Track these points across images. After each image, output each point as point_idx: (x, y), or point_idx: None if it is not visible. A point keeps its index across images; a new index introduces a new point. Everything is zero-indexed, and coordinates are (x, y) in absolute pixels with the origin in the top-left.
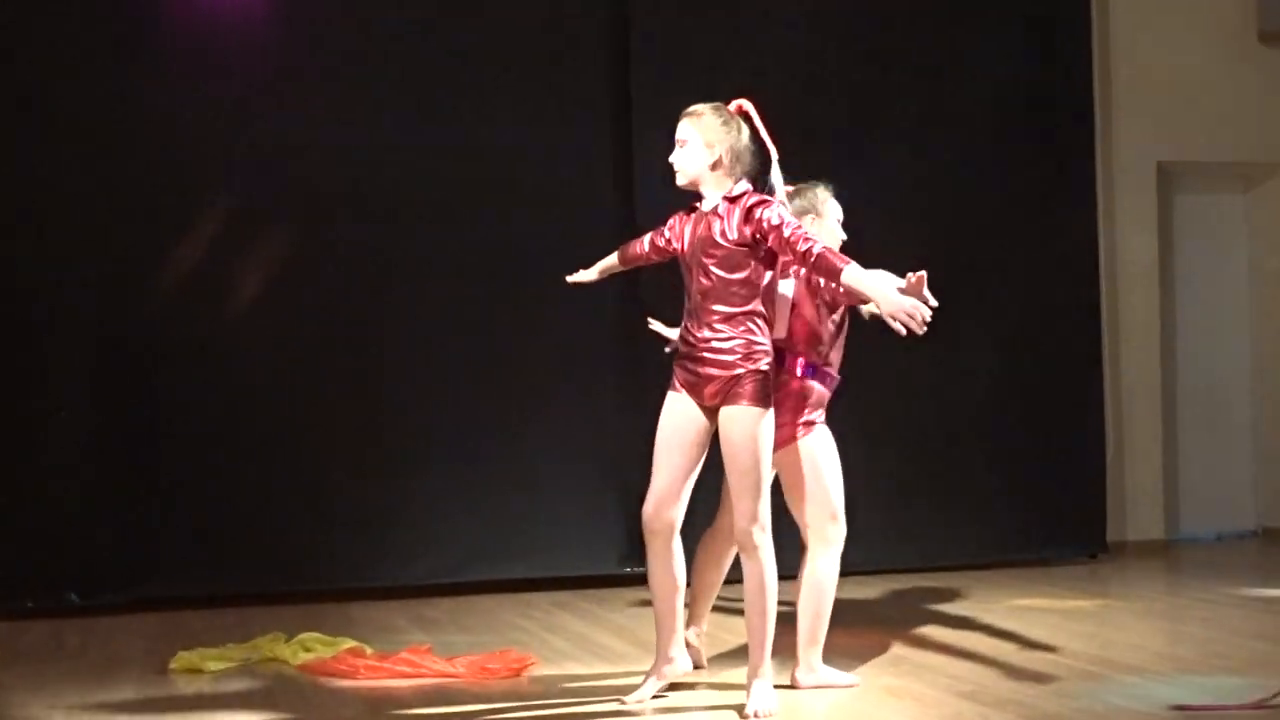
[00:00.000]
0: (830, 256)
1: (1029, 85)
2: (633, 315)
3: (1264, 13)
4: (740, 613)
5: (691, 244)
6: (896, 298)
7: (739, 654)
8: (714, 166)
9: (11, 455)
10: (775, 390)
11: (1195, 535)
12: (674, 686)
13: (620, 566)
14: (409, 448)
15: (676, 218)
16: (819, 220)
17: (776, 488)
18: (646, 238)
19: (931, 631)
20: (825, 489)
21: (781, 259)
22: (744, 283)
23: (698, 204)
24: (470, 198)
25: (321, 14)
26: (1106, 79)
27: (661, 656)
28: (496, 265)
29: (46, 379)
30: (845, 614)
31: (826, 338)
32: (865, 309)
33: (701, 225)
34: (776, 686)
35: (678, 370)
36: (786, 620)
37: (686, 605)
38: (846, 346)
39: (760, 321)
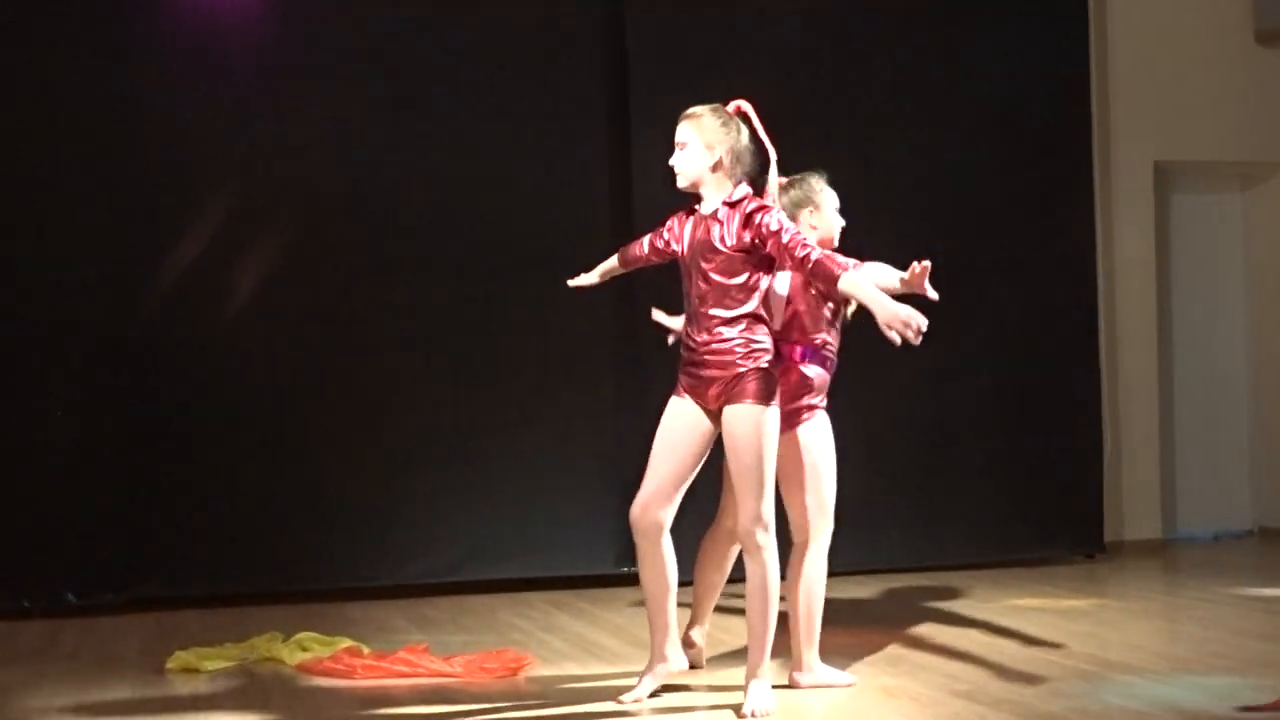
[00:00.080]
0: (828, 264)
1: (1027, 85)
2: (631, 315)
3: (1261, 13)
4: (739, 612)
5: (691, 247)
6: (893, 308)
7: (738, 654)
8: (714, 168)
9: (8, 455)
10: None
11: (1192, 535)
12: (672, 686)
13: (618, 567)
14: (407, 448)
15: (675, 218)
16: (817, 211)
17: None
18: (646, 239)
19: (929, 631)
20: (819, 483)
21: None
22: (742, 287)
23: (697, 205)
24: (468, 197)
25: (320, 14)
26: (1104, 78)
27: (656, 655)
28: (493, 264)
29: (45, 378)
30: (843, 613)
31: (823, 323)
32: (850, 309)
33: (701, 229)
34: (774, 686)
35: (681, 376)
36: (780, 619)
37: (687, 605)
38: (845, 344)
39: (760, 322)
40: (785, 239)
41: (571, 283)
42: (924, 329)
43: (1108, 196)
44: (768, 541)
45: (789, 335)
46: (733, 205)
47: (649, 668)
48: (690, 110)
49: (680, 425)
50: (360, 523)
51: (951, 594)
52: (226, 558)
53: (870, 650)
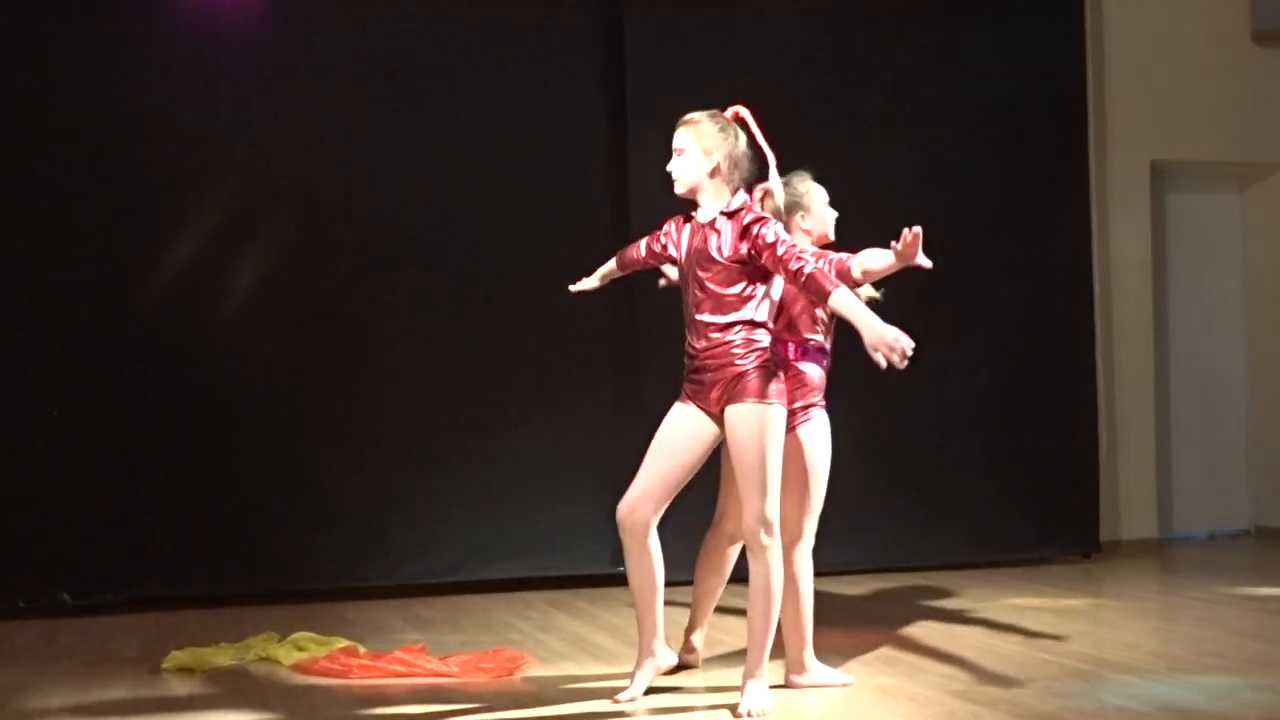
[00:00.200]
0: (820, 279)
1: (1024, 84)
2: (630, 316)
3: (1257, 13)
4: (737, 613)
5: (688, 255)
6: (879, 330)
7: (736, 655)
8: (712, 174)
9: (7, 455)
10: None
11: (1188, 534)
12: (669, 687)
13: (615, 566)
14: (405, 448)
15: (673, 223)
16: (808, 214)
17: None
18: (643, 242)
19: (925, 630)
20: (814, 485)
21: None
22: (739, 296)
23: (694, 212)
24: (467, 197)
25: (320, 14)
26: (1101, 78)
27: (645, 651)
28: (492, 264)
29: (43, 378)
30: (839, 613)
31: (818, 322)
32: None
33: (698, 237)
34: (770, 686)
35: (685, 385)
36: None
37: (684, 604)
38: (843, 344)
39: (758, 327)
40: (780, 251)
41: (573, 288)
42: (909, 354)
43: (1104, 196)
44: (771, 542)
45: (783, 335)
46: (730, 215)
47: (639, 665)
48: (688, 116)
49: (679, 430)
50: (357, 522)
51: (947, 593)
52: (223, 558)
53: (866, 650)
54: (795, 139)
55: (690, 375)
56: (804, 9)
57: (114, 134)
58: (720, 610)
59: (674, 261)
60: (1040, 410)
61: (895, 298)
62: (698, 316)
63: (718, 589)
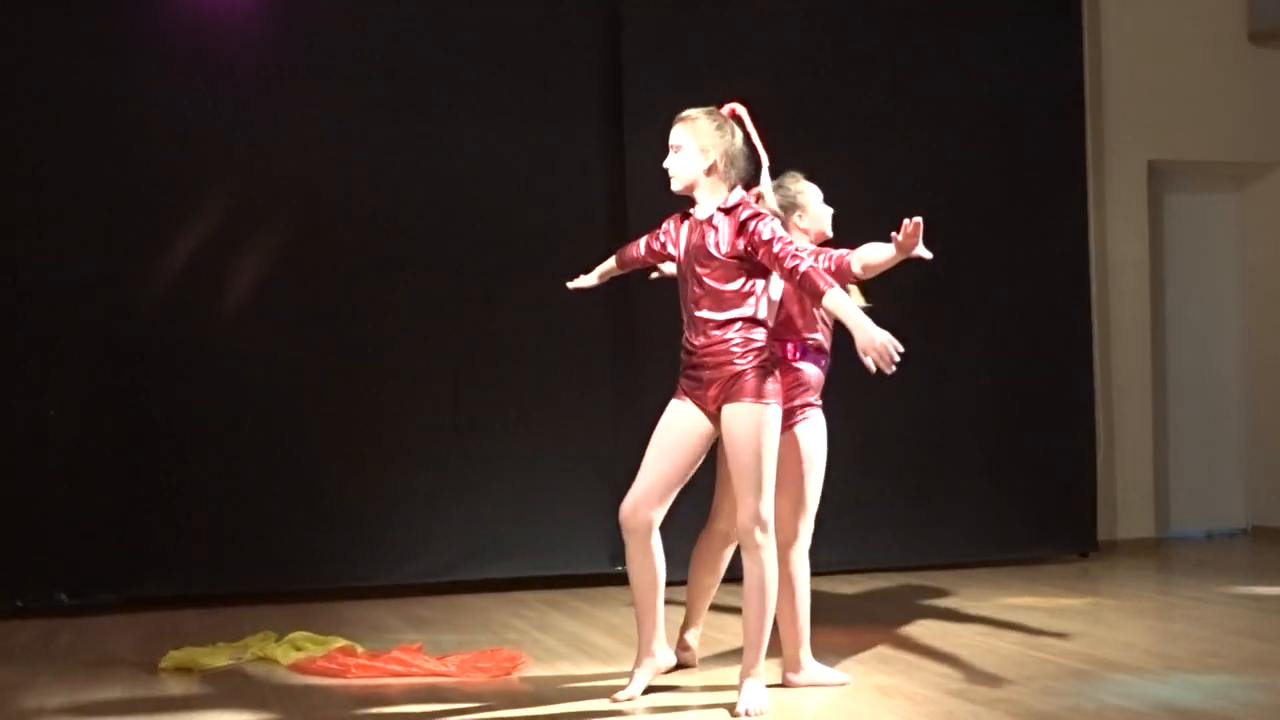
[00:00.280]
0: (815, 278)
1: (1022, 84)
2: (629, 316)
3: (1255, 13)
4: (734, 611)
5: (687, 252)
6: (870, 333)
7: (732, 654)
8: (709, 171)
9: (5, 454)
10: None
11: (1185, 534)
12: (666, 686)
13: (613, 566)
14: (404, 447)
15: (671, 221)
16: (805, 213)
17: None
18: (642, 241)
19: (923, 630)
20: (810, 486)
21: None
22: (737, 293)
23: (692, 210)
24: (467, 197)
25: (320, 14)
26: (1098, 78)
27: (644, 651)
28: (492, 264)
29: (43, 378)
30: (837, 612)
31: (816, 321)
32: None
33: (696, 234)
34: (767, 685)
35: (682, 380)
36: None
37: (680, 603)
38: (842, 343)
39: (757, 324)
40: (776, 249)
41: (571, 285)
42: (898, 359)
43: (1102, 196)
44: (767, 541)
45: (782, 334)
46: (728, 212)
47: (638, 664)
48: (684, 113)
49: (678, 427)
50: (355, 522)
51: (945, 593)
52: (220, 557)
53: (864, 649)
54: (795, 139)
55: (687, 371)
56: (804, 9)
57: (114, 134)
58: (717, 609)
59: (673, 259)
60: (1038, 410)
61: (895, 297)
62: (697, 313)
63: (712, 588)
